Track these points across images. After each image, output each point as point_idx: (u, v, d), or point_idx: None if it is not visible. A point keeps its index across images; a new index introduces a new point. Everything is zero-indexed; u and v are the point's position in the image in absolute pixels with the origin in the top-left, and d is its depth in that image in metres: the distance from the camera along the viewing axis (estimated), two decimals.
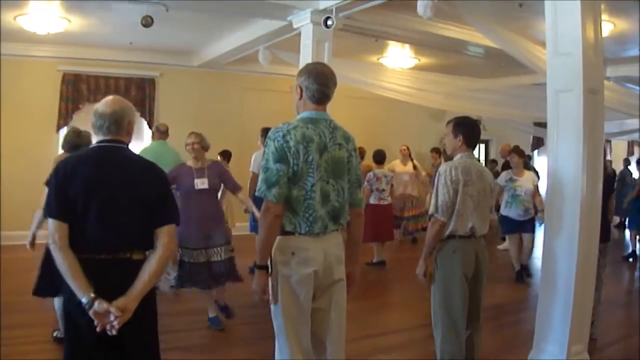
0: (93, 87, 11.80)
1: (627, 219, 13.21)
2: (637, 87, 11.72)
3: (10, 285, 7.25)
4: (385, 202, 10.01)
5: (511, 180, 8.84)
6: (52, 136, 11.33)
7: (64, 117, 11.52)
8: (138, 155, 3.32)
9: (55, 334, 5.54)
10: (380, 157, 10.21)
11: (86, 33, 10.04)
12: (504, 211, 8.96)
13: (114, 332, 2.92)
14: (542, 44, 5.39)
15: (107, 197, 3.05)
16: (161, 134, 8.39)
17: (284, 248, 3.46)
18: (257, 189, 3.42)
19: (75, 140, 5.58)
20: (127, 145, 3.29)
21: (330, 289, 3.57)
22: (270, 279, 3.48)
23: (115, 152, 3.19)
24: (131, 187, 3.12)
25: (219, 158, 11.08)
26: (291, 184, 3.39)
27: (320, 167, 3.44)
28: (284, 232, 3.46)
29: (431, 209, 4.49)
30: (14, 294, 6.49)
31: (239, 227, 11.03)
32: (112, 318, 2.90)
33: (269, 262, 3.52)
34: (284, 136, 3.37)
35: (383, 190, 9.93)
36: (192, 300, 6.85)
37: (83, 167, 3.09)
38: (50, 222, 3.03)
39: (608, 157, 15.16)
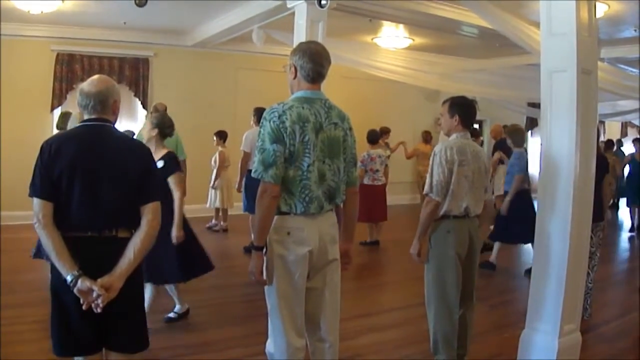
0: (87, 67, 11.75)
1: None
2: (631, 69, 11.75)
3: (6, 264, 7.26)
4: (379, 183, 10.05)
5: None
6: (47, 116, 11.30)
7: (58, 97, 11.49)
8: (123, 134, 3.34)
9: None
10: (373, 138, 10.21)
11: (80, 12, 9.99)
12: None
13: (99, 310, 2.95)
14: (537, 24, 5.38)
15: (92, 176, 3.07)
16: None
17: (280, 228, 3.47)
18: (254, 170, 3.41)
19: (60, 123, 5.56)
20: (113, 123, 3.31)
21: (324, 268, 3.59)
22: (265, 258, 3.50)
23: (100, 130, 3.21)
24: (115, 165, 3.14)
25: (215, 139, 11.12)
26: (287, 164, 3.39)
27: (316, 146, 3.44)
28: (280, 213, 3.47)
29: (426, 189, 4.50)
30: (11, 274, 6.52)
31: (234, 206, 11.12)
32: (95, 296, 2.93)
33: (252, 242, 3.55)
34: (279, 116, 3.36)
35: (377, 170, 9.97)
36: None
37: (68, 146, 3.11)
38: (35, 202, 3.05)
39: (602, 139, 15.21)
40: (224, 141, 11.19)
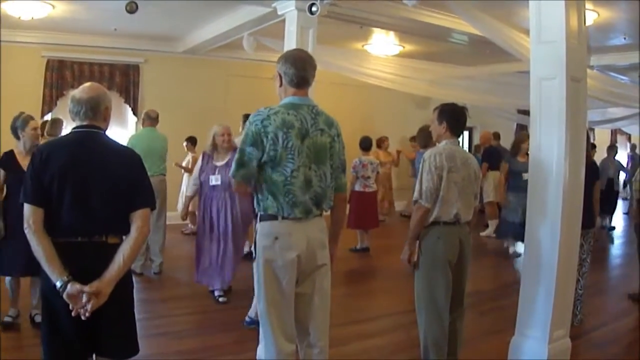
0: (77, 73, 11.72)
1: None
2: (621, 76, 11.81)
3: None
4: (371, 190, 10.02)
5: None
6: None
7: (48, 103, 11.45)
8: (114, 141, 3.35)
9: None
10: (366, 144, 10.22)
11: (70, 19, 9.97)
12: None
13: (87, 315, 2.96)
14: (526, 31, 5.41)
15: (82, 182, 3.09)
16: (151, 120, 8.37)
17: (268, 234, 3.50)
18: (231, 169, 3.56)
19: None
20: (104, 130, 3.33)
21: (313, 273, 3.61)
22: (254, 264, 3.52)
23: (91, 137, 3.23)
24: (105, 172, 3.15)
25: (184, 144, 11.19)
26: (270, 169, 3.46)
27: (302, 153, 3.48)
28: (268, 217, 3.50)
29: (415, 195, 4.50)
30: None
31: None
32: (84, 301, 2.94)
33: (253, 248, 3.58)
34: (262, 121, 3.44)
35: (368, 177, 9.93)
36: (177, 287, 6.86)
37: (59, 153, 3.13)
38: (26, 207, 3.07)
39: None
40: (194, 146, 11.40)
